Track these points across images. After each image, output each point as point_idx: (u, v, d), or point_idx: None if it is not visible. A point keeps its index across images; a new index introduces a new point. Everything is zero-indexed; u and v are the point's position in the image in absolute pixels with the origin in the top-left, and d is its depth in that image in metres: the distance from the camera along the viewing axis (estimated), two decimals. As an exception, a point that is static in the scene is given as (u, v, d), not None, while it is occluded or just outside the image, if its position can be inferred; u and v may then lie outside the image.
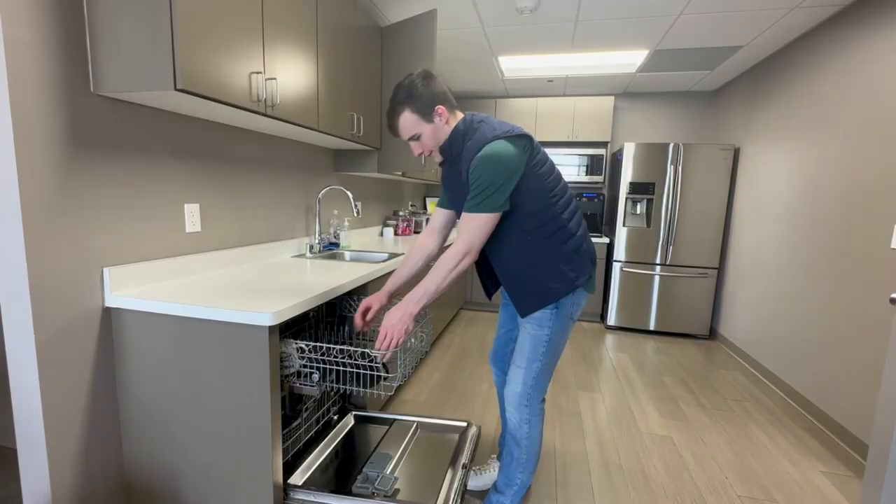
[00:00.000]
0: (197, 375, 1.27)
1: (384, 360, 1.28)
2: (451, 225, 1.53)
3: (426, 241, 1.51)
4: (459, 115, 1.32)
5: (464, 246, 1.22)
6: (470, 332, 3.66)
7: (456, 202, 1.42)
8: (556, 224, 1.28)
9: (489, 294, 1.55)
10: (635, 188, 3.64)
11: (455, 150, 1.30)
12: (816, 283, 2.38)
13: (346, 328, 1.88)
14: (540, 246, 1.29)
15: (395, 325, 1.23)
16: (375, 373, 1.34)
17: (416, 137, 1.29)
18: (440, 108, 1.25)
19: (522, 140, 1.23)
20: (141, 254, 1.43)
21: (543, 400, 1.43)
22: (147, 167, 1.42)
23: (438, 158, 1.36)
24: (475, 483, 1.71)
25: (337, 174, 2.74)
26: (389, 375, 1.36)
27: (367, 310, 1.44)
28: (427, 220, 3.74)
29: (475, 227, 1.21)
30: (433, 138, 1.29)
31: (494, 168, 1.17)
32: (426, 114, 1.25)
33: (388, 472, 1.48)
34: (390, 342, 1.23)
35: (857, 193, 2.12)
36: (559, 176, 1.32)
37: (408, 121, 1.27)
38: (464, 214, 1.23)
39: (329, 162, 2.62)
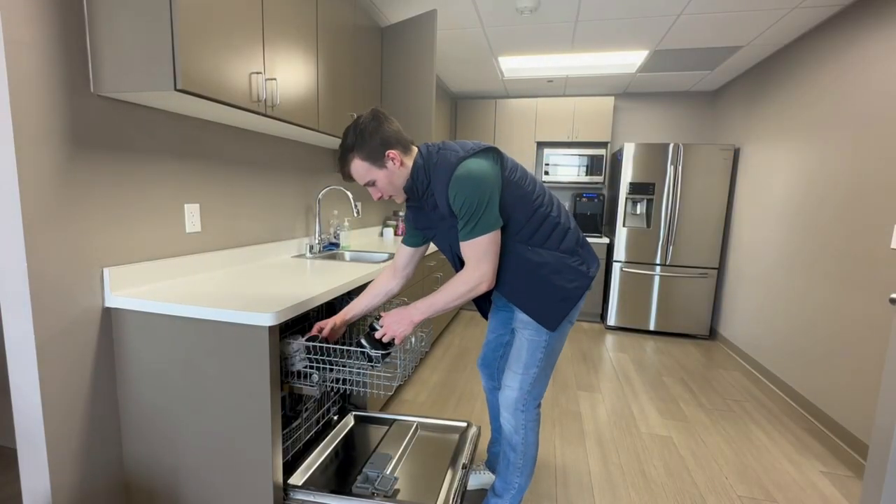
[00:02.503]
0: (197, 375, 1.27)
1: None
2: (414, 263, 1.48)
3: (388, 279, 1.47)
4: (415, 150, 1.27)
5: (477, 273, 1.18)
6: (470, 332, 3.66)
7: (437, 236, 1.36)
8: (550, 224, 1.26)
9: (485, 314, 1.51)
10: (635, 188, 3.64)
11: (420, 186, 1.25)
12: (816, 283, 2.38)
13: (346, 328, 1.87)
14: (543, 251, 1.25)
15: (393, 325, 1.25)
16: (375, 363, 1.31)
17: (372, 183, 1.24)
18: (391, 153, 1.20)
19: (490, 153, 1.21)
20: (141, 254, 1.43)
21: (539, 405, 1.41)
22: (147, 167, 1.42)
23: (400, 199, 1.31)
24: (475, 482, 1.71)
25: (337, 174, 2.74)
26: (389, 352, 1.31)
27: (321, 329, 1.42)
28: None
29: (480, 251, 1.17)
30: (389, 183, 1.24)
31: (474, 188, 1.14)
32: (377, 159, 1.20)
33: (388, 472, 1.48)
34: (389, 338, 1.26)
35: (857, 193, 2.12)
36: (533, 177, 1.30)
37: (359, 168, 1.22)
38: (463, 245, 1.19)
39: (329, 162, 2.62)
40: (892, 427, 1.23)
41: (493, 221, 1.16)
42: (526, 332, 1.33)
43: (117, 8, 1.15)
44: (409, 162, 1.25)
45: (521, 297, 1.29)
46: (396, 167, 1.22)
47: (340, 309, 1.83)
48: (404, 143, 1.24)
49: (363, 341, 1.27)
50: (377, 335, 1.26)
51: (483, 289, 1.20)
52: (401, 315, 1.25)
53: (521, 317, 1.33)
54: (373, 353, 1.27)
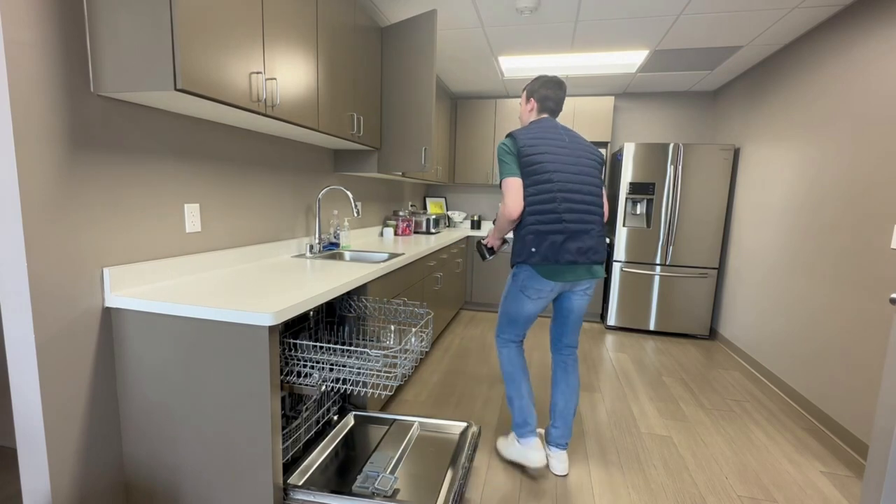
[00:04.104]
0: (197, 375, 1.27)
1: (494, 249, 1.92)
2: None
3: None
4: (541, 118, 1.76)
5: (503, 206, 1.69)
6: (470, 332, 3.66)
7: None
8: (527, 211, 1.67)
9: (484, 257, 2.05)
10: (635, 188, 3.64)
11: None
12: (816, 283, 2.38)
13: (346, 328, 1.88)
14: (523, 220, 1.70)
15: (490, 237, 1.89)
16: (383, 370, 1.41)
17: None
18: (530, 99, 1.78)
19: (509, 139, 1.70)
20: (141, 254, 1.43)
21: (515, 342, 1.83)
22: (147, 167, 1.43)
23: None
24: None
25: (337, 174, 2.74)
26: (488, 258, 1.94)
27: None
28: (426, 220, 3.74)
29: (504, 190, 1.68)
30: (520, 114, 1.87)
31: (498, 152, 1.72)
32: (525, 95, 1.81)
33: (388, 472, 1.48)
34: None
35: (857, 193, 2.12)
36: (545, 180, 1.63)
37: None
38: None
39: (329, 162, 2.62)
40: (892, 427, 1.23)
41: (506, 172, 1.67)
42: None
43: (117, 8, 1.15)
44: (529, 118, 1.81)
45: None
46: (523, 108, 1.84)
47: (340, 309, 1.83)
48: (542, 104, 1.76)
49: (368, 352, 1.43)
50: (483, 240, 1.93)
51: (507, 214, 1.67)
52: (493, 231, 1.86)
53: None
54: (376, 353, 1.34)
